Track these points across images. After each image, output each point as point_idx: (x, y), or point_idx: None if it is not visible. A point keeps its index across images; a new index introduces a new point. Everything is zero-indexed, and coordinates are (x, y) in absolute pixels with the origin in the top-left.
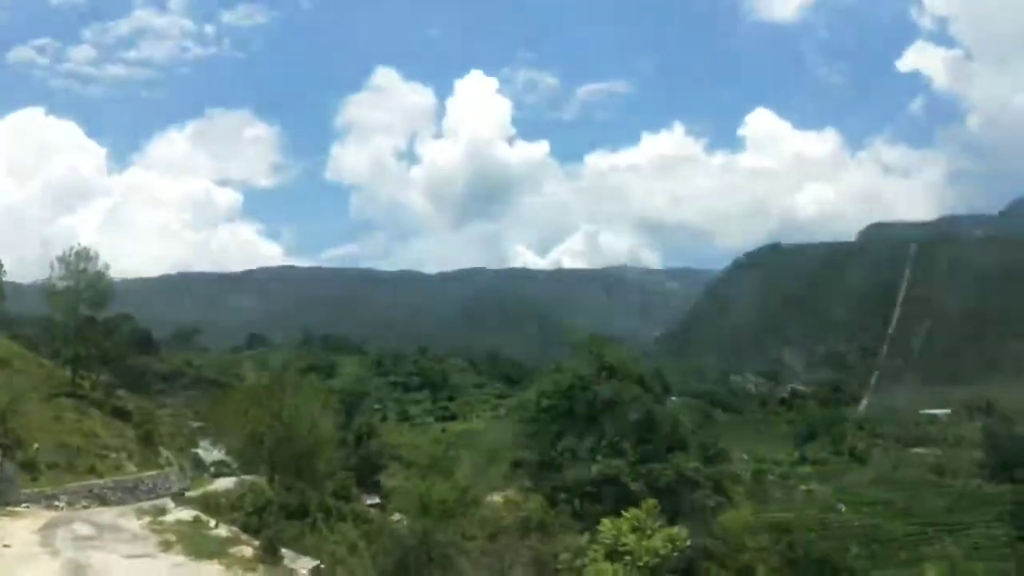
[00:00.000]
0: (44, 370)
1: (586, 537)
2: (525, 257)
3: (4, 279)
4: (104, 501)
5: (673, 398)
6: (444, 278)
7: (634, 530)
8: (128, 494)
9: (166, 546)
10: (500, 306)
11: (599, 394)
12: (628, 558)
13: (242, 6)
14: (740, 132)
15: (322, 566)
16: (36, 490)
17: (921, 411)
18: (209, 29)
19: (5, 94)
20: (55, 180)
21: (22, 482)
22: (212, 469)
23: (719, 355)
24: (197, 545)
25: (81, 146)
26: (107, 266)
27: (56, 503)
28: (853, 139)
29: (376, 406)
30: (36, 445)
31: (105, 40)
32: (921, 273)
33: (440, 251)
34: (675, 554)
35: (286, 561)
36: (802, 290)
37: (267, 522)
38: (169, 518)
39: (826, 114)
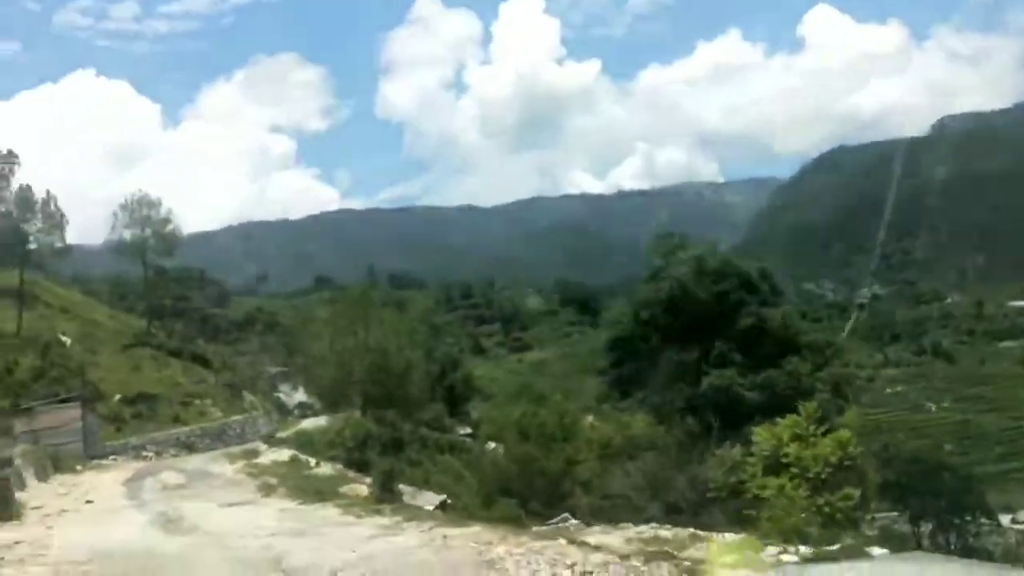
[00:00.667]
0: (118, 322)
1: (737, 450)
2: (582, 181)
3: (72, 242)
4: (192, 449)
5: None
6: (502, 210)
7: (795, 439)
8: (216, 440)
9: (267, 490)
10: (561, 233)
11: (702, 300)
12: (794, 470)
13: None
14: (799, 32)
15: (448, 501)
16: (121, 441)
17: (1008, 303)
18: None
19: (56, 59)
20: (112, 140)
21: (106, 434)
22: (295, 412)
23: (790, 263)
24: (302, 487)
25: (134, 104)
26: (171, 211)
27: (144, 453)
28: (918, 29)
29: (449, 340)
30: (118, 396)
31: None
32: (1000, 162)
33: (495, 182)
34: (847, 463)
35: (405, 497)
36: (874, 190)
37: (370, 457)
38: (264, 460)
39: (889, 4)
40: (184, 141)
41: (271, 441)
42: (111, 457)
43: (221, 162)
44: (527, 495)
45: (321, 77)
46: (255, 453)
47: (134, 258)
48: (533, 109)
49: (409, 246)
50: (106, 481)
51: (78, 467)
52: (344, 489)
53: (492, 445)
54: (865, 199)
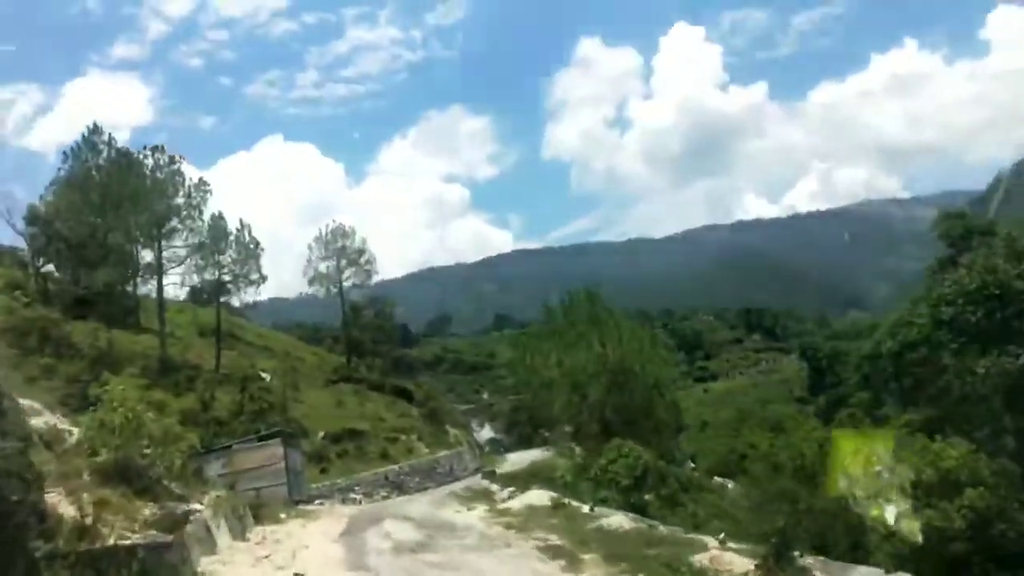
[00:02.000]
0: (318, 358)
1: None
2: (755, 207)
3: (271, 296)
4: (401, 489)
5: None
6: (673, 240)
7: None
8: (426, 478)
9: (564, 559)
10: (735, 261)
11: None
12: None
13: (441, 5)
14: (982, 35)
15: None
16: (327, 483)
17: None
18: (416, 33)
19: (248, 127)
20: (302, 200)
21: (310, 476)
22: (487, 447)
23: None
24: (616, 553)
25: (320, 165)
26: (365, 241)
27: (352, 496)
28: None
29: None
30: (322, 433)
31: (325, 62)
32: None
33: (665, 213)
34: None
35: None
36: None
37: (644, 497)
38: (512, 504)
39: None
40: (367, 196)
41: (491, 477)
42: (317, 501)
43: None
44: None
45: (489, 125)
46: (489, 494)
47: (329, 291)
48: (698, 137)
49: (582, 282)
50: (316, 535)
51: (282, 515)
52: (700, 560)
53: (719, 480)
54: None
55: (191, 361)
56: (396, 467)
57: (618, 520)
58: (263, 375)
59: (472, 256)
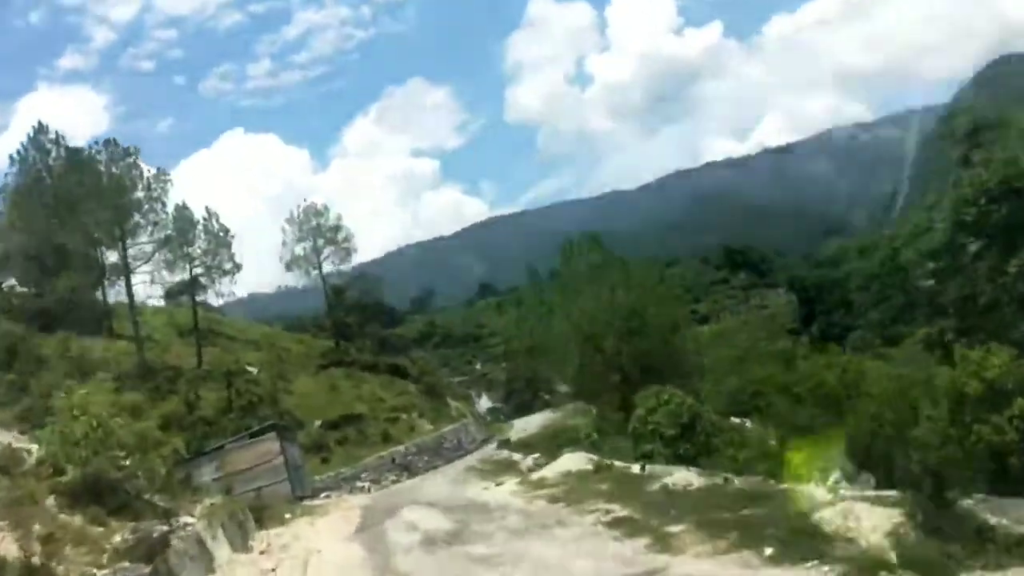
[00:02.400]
0: (304, 345)
1: None
2: (724, 147)
3: (249, 292)
4: (410, 470)
5: None
6: (647, 190)
7: None
8: (435, 455)
9: (648, 536)
10: (710, 204)
11: None
12: None
13: None
14: None
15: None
16: (331, 474)
17: None
18: (365, 11)
19: (207, 124)
20: (269, 192)
21: (312, 468)
22: (488, 417)
23: None
24: (714, 520)
25: (284, 154)
26: (340, 218)
27: (359, 484)
28: None
29: None
30: (318, 422)
31: (276, 50)
32: None
33: (635, 165)
34: None
35: None
36: None
37: (709, 446)
38: (545, 473)
39: None
40: (335, 180)
41: (510, 446)
42: (323, 495)
43: (372, 193)
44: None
45: (450, 95)
46: (512, 464)
47: (309, 274)
48: (660, 85)
49: (560, 242)
50: (328, 534)
51: (287, 515)
52: (827, 517)
53: (734, 420)
54: None
55: (171, 363)
56: (402, 448)
57: (683, 476)
58: (249, 368)
59: (449, 228)
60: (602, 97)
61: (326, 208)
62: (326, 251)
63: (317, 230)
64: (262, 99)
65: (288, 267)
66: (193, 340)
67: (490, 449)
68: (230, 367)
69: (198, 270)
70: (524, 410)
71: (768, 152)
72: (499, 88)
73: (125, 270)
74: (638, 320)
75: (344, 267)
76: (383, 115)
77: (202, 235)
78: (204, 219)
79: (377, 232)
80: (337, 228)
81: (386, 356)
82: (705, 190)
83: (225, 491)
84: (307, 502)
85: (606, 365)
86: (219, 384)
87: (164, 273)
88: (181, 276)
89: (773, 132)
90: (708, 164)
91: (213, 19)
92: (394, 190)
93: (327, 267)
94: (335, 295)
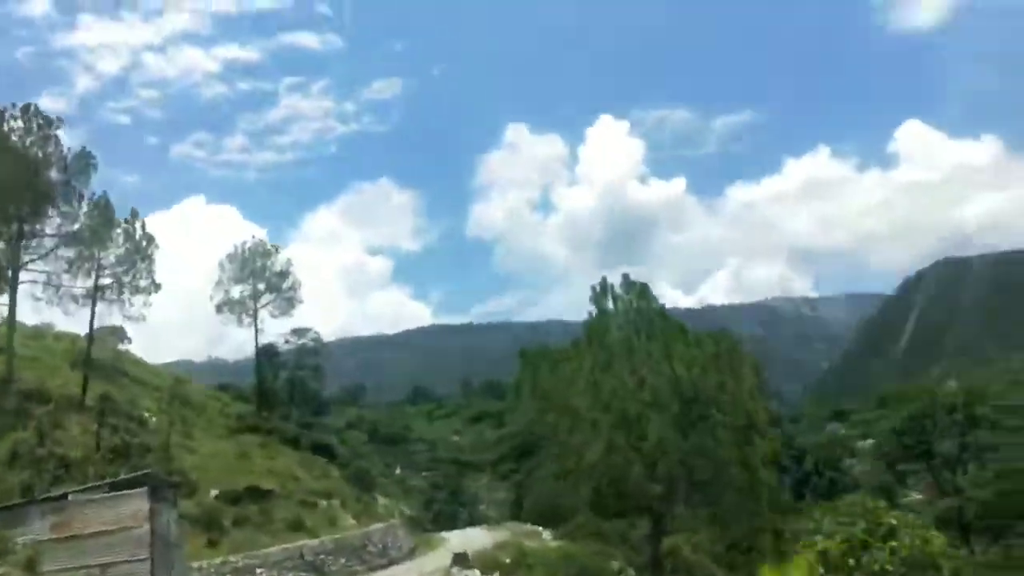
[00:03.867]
0: (220, 404)
1: None
2: (671, 296)
3: (177, 358)
4: (322, 573)
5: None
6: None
7: None
8: (354, 558)
9: None
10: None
11: None
12: None
13: (377, 82)
14: (891, 148)
15: None
16: (217, 561)
17: None
18: (349, 107)
19: (170, 186)
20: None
21: (193, 549)
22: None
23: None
24: None
25: (242, 228)
26: (289, 263)
27: None
28: (1017, 142)
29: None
30: (215, 492)
31: (255, 128)
32: None
33: (585, 297)
34: None
35: None
36: (994, 302)
37: None
38: None
39: (982, 120)
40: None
41: (465, 564)
42: None
43: (323, 282)
44: None
45: (415, 200)
46: None
47: (240, 321)
48: (619, 226)
49: (501, 360)
50: None
51: None
52: None
53: None
54: (972, 313)
55: (49, 390)
56: (316, 542)
57: None
58: (146, 415)
59: (390, 328)
60: (562, 228)
61: (276, 249)
62: (265, 298)
63: (260, 272)
64: (230, 172)
65: (219, 309)
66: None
67: (429, 564)
68: (108, 394)
69: (106, 280)
70: (446, 523)
71: (713, 308)
72: (464, 202)
73: (13, 261)
74: (701, 408)
75: (284, 316)
76: (347, 208)
77: (120, 239)
78: (126, 220)
79: (319, 321)
80: (284, 274)
81: (311, 433)
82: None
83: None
84: None
85: (644, 466)
86: (90, 417)
87: (64, 276)
88: (84, 284)
89: (720, 290)
90: None
91: (198, 87)
92: (345, 282)
93: (264, 316)
94: (267, 356)
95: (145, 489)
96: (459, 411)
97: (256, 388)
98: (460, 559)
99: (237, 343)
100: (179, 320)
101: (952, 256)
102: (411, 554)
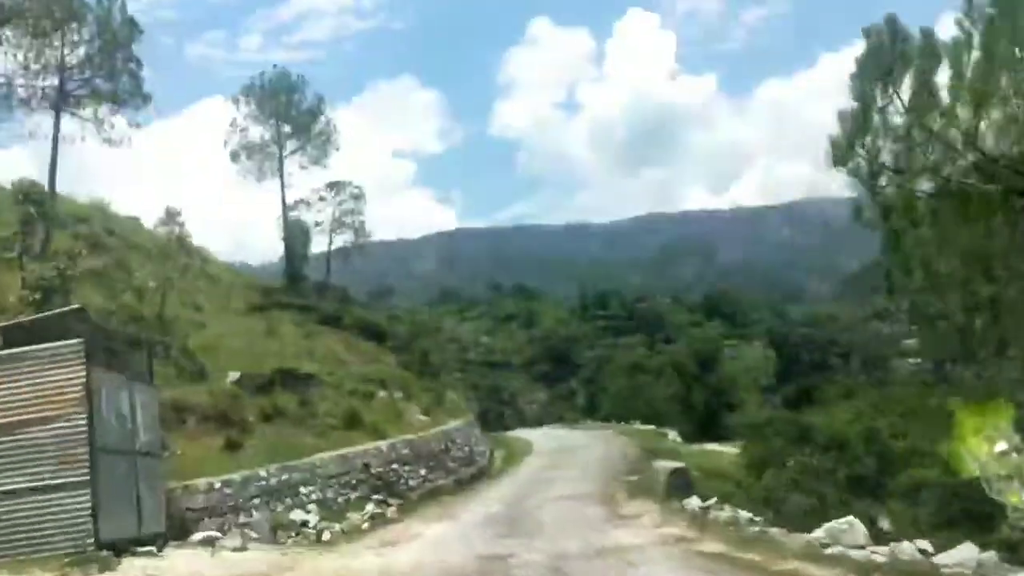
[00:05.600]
0: (242, 279)
1: None
2: (700, 198)
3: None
4: (395, 492)
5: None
6: (619, 227)
7: None
8: (435, 467)
9: None
10: (680, 251)
11: None
12: None
13: None
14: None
15: None
16: (236, 476)
17: None
18: (366, 2)
19: (187, 87)
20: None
21: (202, 458)
22: None
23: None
24: None
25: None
26: (322, 101)
27: (299, 517)
28: None
29: (588, 352)
30: (236, 375)
31: (270, 26)
32: None
33: (611, 199)
34: None
35: None
36: None
37: None
38: None
39: None
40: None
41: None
42: (198, 537)
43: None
44: None
45: (438, 100)
46: None
47: (260, 171)
48: (647, 126)
49: (527, 262)
50: None
51: None
52: None
53: None
54: None
55: None
56: (383, 444)
57: None
58: (137, 275)
59: (414, 232)
60: (587, 127)
61: (302, 80)
62: (292, 143)
63: (284, 110)
64: (249, 72)
65: (234, 157)
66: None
67: (562, 482)
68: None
69: (72, 83)
70: (495, 423)
71: (743, 210)
72: (487, 101)
73: None
74: None
75: (316, 167)
76: (369, 108)
77: (92, 25)
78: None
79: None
80: (314, 113)
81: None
82: (676, 237)
83: None
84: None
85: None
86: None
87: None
88: (48, 82)
89: (750, 191)
90: (683, 212)
91: None
92: (366, 185)
93: (292, 168)
94: (297, 231)
95: (79, 343)
96: (488, 312)
97: (286, 259)
98: (680, 476)
99: (261, 249)
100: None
101: None
102: (488, 458)
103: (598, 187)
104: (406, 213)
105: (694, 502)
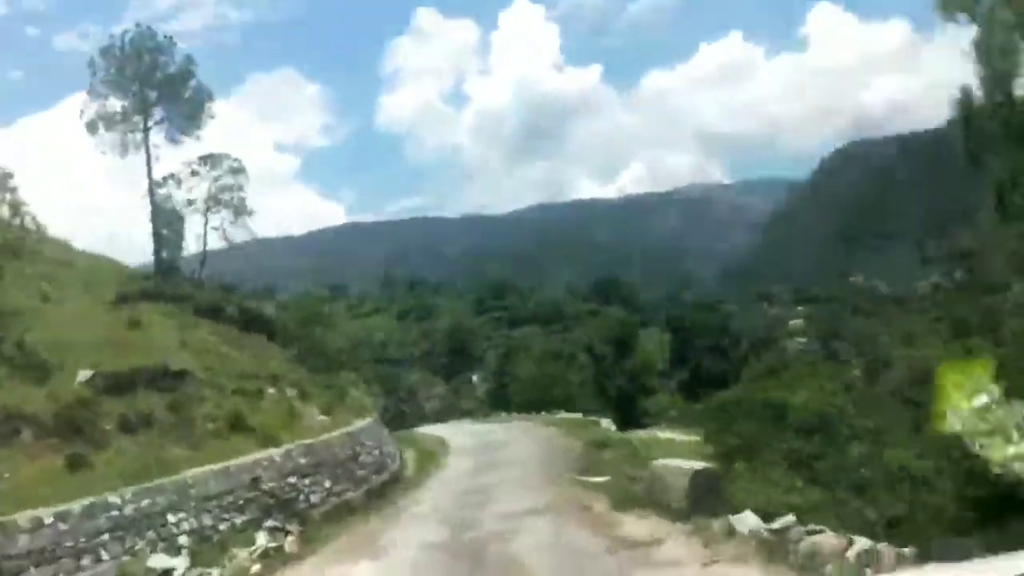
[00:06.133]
0: (97, 266)
1: None
2: (588, 188)
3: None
4: (292, 512)
5: (799, 307)
6: (509, 218)
7: None
8: (342, 477)
9: None
10: (572, 239)
11: None
12: None
13: None
14: (802, 31)
15: None
16: (77, 506)
17: None
18: None
19: (55, 81)
20: (112, 162)
21: (39, 476)
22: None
23: (822, 259)
24: None
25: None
26: (192, 63)
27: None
28: (924, 25)
29: (486, 344)
30: (88, 373)
31: (144, 16)
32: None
33: (502, 190)
34: None
35: None
36: (895, 185)
37: None
38: None
39: (892, 1)
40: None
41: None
42: None
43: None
44: None
45: (322, 93)
46: None
47: (123, 145)
48: (534, 117)
49: (416, 257)
50: None
51: None
52: None
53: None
54: (887, 193)
55: None
56: (274, 453)
57: None
58: None
59: (300, 229)
60: (475, 119)
61: (170, 41)
62: (160, 112)
63: (148, 73)
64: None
65: (91, 128)
66: None
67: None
68: None
69: None
70: (395, 421)
71: (631, 198)
72: (373, 93)
73: None
74: None
75: (187, 137)
76: (249, 101)
77: None
78: None
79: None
80: (185, 76)
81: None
82: (567, 227)
83: None
84: None
85: None
86: None
87: None
88: None
89: (636, 180)
90: (573, 202)
91: None
92: (252, 181)
93: (162, 138)
94: (166, 213)
95: None
96: (381, 308)
97: (154, 240)
98: (704, 480)
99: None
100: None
101: (862, 138)
102: (395, 461)
103: (488, 178)
104: (290, 209)
105: (750, 520)
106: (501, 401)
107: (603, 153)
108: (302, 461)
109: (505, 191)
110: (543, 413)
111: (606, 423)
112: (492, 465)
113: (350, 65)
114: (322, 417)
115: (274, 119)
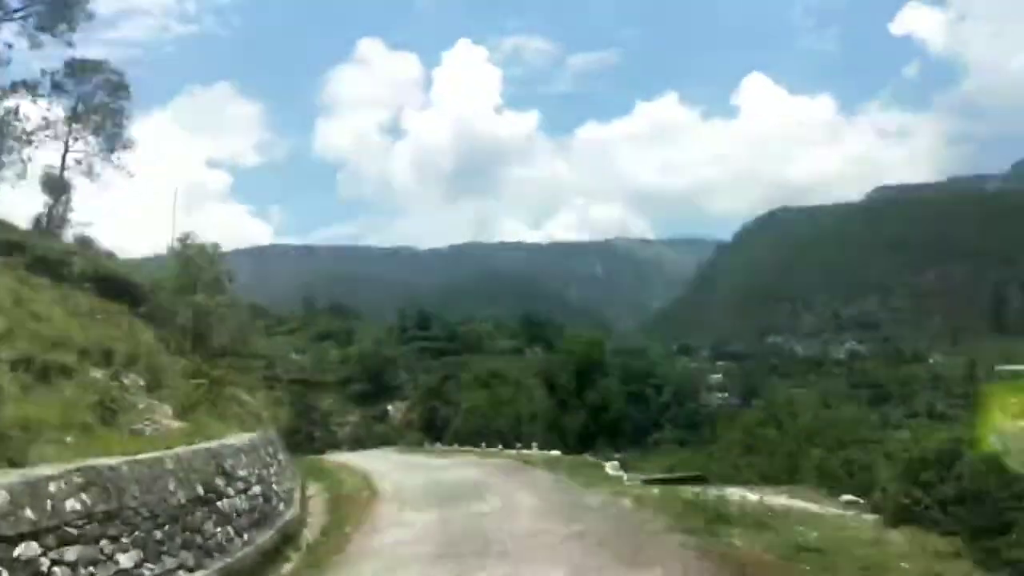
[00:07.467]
0: None
1: None
2: (518, 231)
3: None
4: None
5: (719, 363)
6: (437, 253)
7: None
8: (182, 547)
9: None
10: (497, 279)
11: None
12: None
13: None
14: (735, 99)
15: None
16: None
17: (997, 367)
18: (191, 6)
19: None
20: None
21: None
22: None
23: (739, 319)
24: None
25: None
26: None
27: None
28: (848, 104)
29: (404, 374)
30: None
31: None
32: (947, 226)
33: (431, 226)
34: None
35: None
36: (813, 253)
37: None
38: None
39: (820, 79)
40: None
41: None
42: None
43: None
44: None
45: (259, 112)
46: None
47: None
48: (470, 156)
49: (341, 285)
50: None
51: None
52: None
53: None
54: (806, 260)
55: None
56: (103, 464)
57: None
58: None
59: (227, 245)
60: (411, 153)
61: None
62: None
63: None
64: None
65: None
66: None
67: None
68: None
69: None
70: (303, 446)
71: (558, 244)
72: (311, 118)
73: None
74: None
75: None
76: (185, 114)
77: None
78: None
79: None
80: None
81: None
82: (494, 266)
83: None
84: None
85: None
86: None
87: None
88: None
89: (564, 227)
90: (501, 243)
91: None
92: (182, 194)
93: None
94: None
95: None
96: (300, 329)
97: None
98: None
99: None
100: None
101: (782, 206)
102: (288, 502)
103: (419, 213)
104: (218, 223)
105: None
106: (431, 430)
107: (535, 198)
108: (71, 505)
109: (436, 226)
110: (495, 447)
111: (610, 466)
112: (475, 536)
113: (290, 87)
114: (172, 421)
115: (207, 134)
